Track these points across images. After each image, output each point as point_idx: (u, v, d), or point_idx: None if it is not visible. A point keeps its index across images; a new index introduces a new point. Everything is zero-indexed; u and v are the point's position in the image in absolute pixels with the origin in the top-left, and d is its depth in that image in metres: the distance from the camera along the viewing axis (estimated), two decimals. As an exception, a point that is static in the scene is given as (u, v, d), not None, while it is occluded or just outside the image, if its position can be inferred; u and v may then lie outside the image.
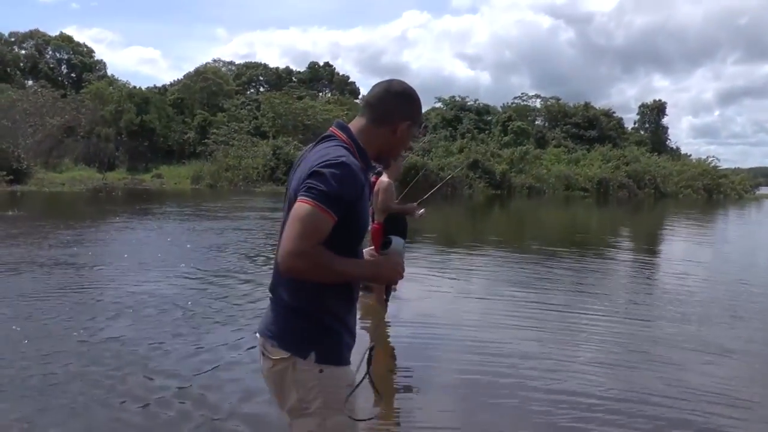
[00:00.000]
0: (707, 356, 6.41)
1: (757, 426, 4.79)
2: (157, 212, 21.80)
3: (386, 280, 2.41)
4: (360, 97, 74.01)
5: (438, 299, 8.77)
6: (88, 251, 11.96)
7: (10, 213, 18.84)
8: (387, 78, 2.45)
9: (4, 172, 31.41)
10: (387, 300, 2.11)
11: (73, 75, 65.61)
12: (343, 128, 2.31)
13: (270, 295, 2.33)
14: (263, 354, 2.25)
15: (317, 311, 2.19)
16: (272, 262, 2.45)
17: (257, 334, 2.33)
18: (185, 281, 9.38)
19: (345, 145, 2.22)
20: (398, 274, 2.30)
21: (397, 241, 2.36)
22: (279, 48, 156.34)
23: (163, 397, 4.81)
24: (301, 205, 2.02)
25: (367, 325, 6.83)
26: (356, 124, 2.35)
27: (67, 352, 5.77)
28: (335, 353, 2.21)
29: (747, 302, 9.32)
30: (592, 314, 8.07)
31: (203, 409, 4.61)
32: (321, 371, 2.16)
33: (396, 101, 2.33)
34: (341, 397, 2.19)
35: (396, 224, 6.78)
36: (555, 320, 7.71)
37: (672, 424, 4.61)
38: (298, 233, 2.00)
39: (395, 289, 7.84)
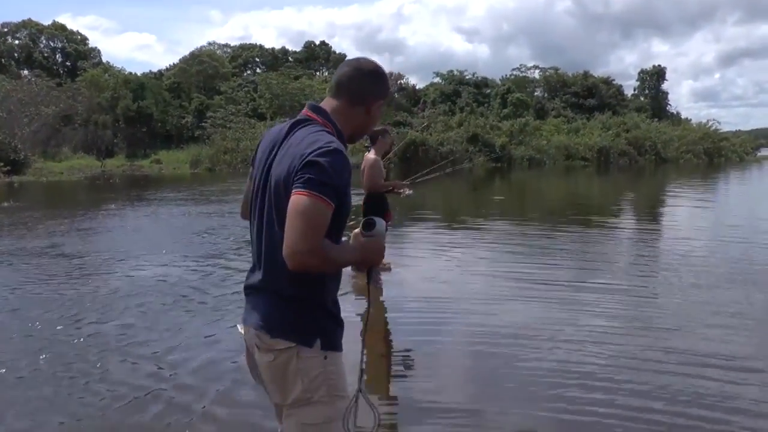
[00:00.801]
0: (709, 322, 6.38)
1: (757, 389, 4.72)
2: (153, 198, 21.70)
3: (370, 263, 2.40)
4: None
5: (439, 277, 8.60)
6: (80, 240, 11.95)
7: (5, 204, 18.72)
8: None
9: (2, 163, 31.34)
10: (369, 284, 2.22)
11: (68, 63, 65.35)
12: (319, 111, 2.30)
13: (253, 288, 2.31)
14: (258, 347, 2.24)
15: (320, 299, 2.23)
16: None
17: (242, 328, 2.34)
18: (176, 269, 9.26)
19: (327, 129, 2.22)
20: (381, 257, 2.36)
21: (380, 222, 2.36)
22: (274, 29, 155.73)
23: (148, 392, 4.74)
24: (303, 198, 2.01)
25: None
26: (329, 104, 2.33)
27: (51, 346, 5.73)
28: (336, 339, 2.26)
29: (748, 267, 9.23)
30: (595, 285, 7.97)
31: (188, 400, 4.58)
32: (326, 358, 2.20)
33: (368, 80, 2.34)
34: (343, 383, 2.25)
35: (379, 204, 6.72)
36: (558, 292, 7.61)
37: (677, 391, 4.60)
38: (306, 230, 2.00)
39: (387, 270, 7.81)
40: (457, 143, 49.28)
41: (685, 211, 18.23)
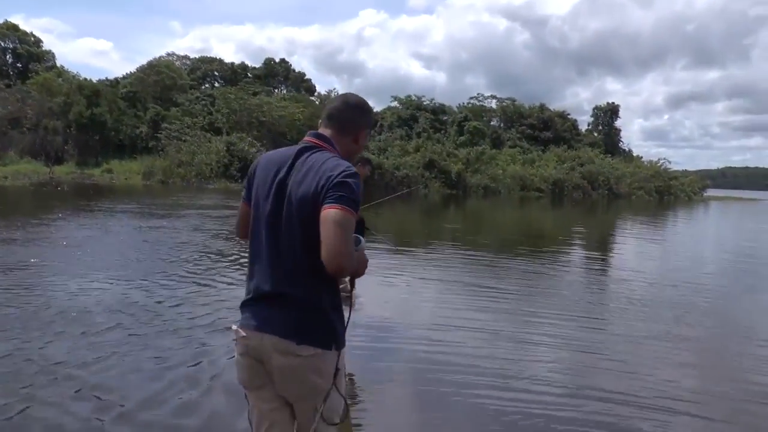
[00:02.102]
0: (656, 352, 6.71)
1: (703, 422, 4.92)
2: (100, 209, 20.78)
3: (360, 274, 2.59)
4: (316, 94, 73.47)
5: (390, 302, 8.52)
6: (13, 251, 11.19)
7: None
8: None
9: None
10: (352, 291, 2.46)
11: (18, 65, 63.48)
12: (324, 138, 2.60)
13: (267, 296, 2.49)
14: (279, 352, 2.43)
15: (333, 305, 2.51)
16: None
17: (246, 332, 2.51)
18: (119, 287, 8.66)
19: (336, 155, 2.54)
20: (366, 268, 2.60)
21: (362, 239, 2.62)
22: (234, 43, 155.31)
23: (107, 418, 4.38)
24: (338, 212, 2.29)
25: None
26: (326, 134, 2.63)
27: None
28: (343, 338, 2.55)
29: (693, 301, 9.81)
30: (543, 315, 8.17)
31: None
32: (338, 355, 2.51)
33: (355, 113, 2.69)
34: (343, 370, 2.59)
35: (360, 224, 6.51)
36: (508, 321, 7.78)
37: (621, 421, 4.79)
38: (344, 238, 2.29)
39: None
40: (413, 168, 49.42)
41: (635, 248, 18.71)
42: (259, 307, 2.51)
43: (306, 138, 2.63)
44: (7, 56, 64.61)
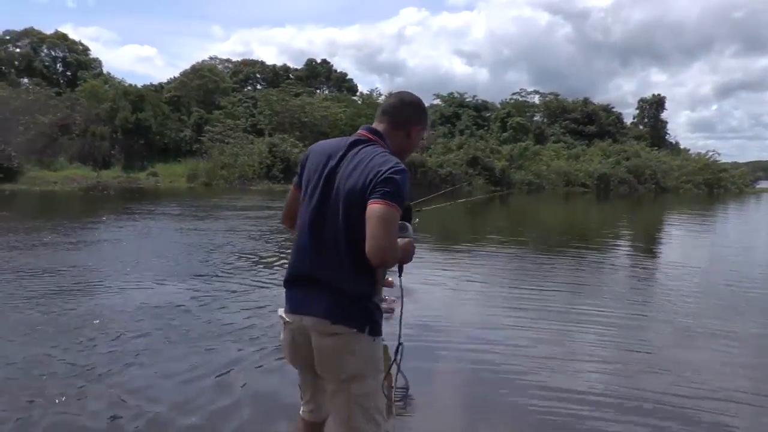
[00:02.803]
0: (705, 350, 6.51)
1: (754, 419, 4.77)
2: (143, 212, 21.05)
3: (406, 261, 2.74)
4: (358, 94, 73.42)
5: (435, 298, 8.41)
6: (58, 255, 11.32)
7: None
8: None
9: (-5, 171, 30.92)
10: (401, 277, 2.60)
11: (68, 73, 64.81)
12: (376, 133, 2.75)
13: (309, 280, 2.66)
14: (318, 332, 2.61)
15: (372, 294, 2.66)
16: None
17: (289, 315, 2.73)
18: (155, 290, 8.68)
19: (387, 150, 2.66)
20: (413, 255, 2.75)
21: (410, 226, 2.81)
22: (275, 46, 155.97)
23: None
24: (383, 208, 2.43)
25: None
26: (379, 129, 2.77)
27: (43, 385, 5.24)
28: (380, 326, 2.70)
29: (744, 296, 9.51)
30: (590, 313, 7.98)
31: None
32: (374, 341, 2.66)
33: (409, 109, 2.82)
34: (382, 361, 2.73)
35: (407, 212, 6.43)
36: (554, 318, 7.62)
37: (670, 420, 4.61)
38: (388, 232, 2.43)
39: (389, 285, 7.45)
40: (456, 165, 49.07)
41: (684, 242, 18.36)
42: (300, 291, 2.71)
43: (359, 131, 2.76)
44: (58, 65, 66.18)
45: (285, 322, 2.77)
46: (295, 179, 2.87)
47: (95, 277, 9.45)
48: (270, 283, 9.19)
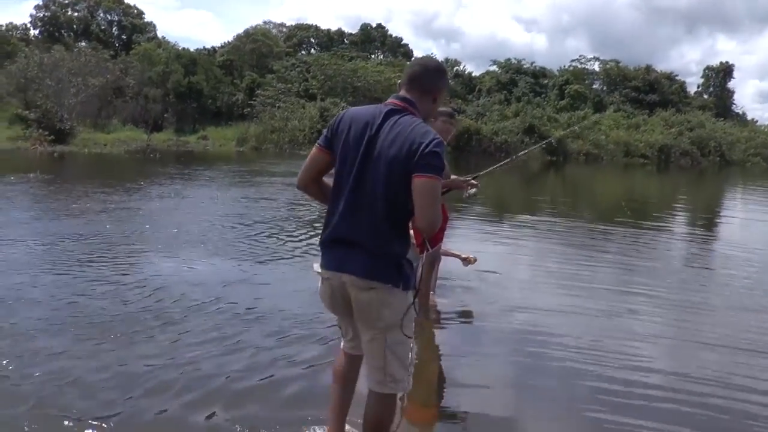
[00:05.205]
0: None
1: None
2: (185, 176, 20.42)
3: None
4: (413, 59, 72.06)
5: (483, 276, 7.61)
6: (85, 223, 10.50)
7: (31, 175, 17.50)
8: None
9: (47, 132, 30.97)
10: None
11: (123, 37, 65.45)
12: (410, 103, 2.84)
13: (345, 241, 2.81)
14: (358, 287, 2.79)
15: (403, 253, 2.85)
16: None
17: (326, 272, 2.89)
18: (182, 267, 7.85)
19: (420, 120, 2.81)
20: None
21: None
22: (331, 10, 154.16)
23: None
24: (432, 182, 2.65)
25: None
26: (408, 96, 2.87)
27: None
28: (412, 281, 2.89)
29: None
30: (642, 291, 7.47)
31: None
32: (407, 294, 2.86)
33: (435, 75, 2.95)
34: (413, 314, 2.91)
35: None
36: (604, 299, 7.05)
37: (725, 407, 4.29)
38: (436, 205, 2.69)
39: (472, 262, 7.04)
40: (512, 133, 47.76)
41: (748, 220, 17.21)
42: (338, 250, 2.84)
43: (391, 100, 2.86)
44: (113, 29, 66.79)
45: (323, 278, 2.94)
46: (322, 141, 2.95)
47: (122, 248, 8.88)
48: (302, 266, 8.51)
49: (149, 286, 6.41)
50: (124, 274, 6.92)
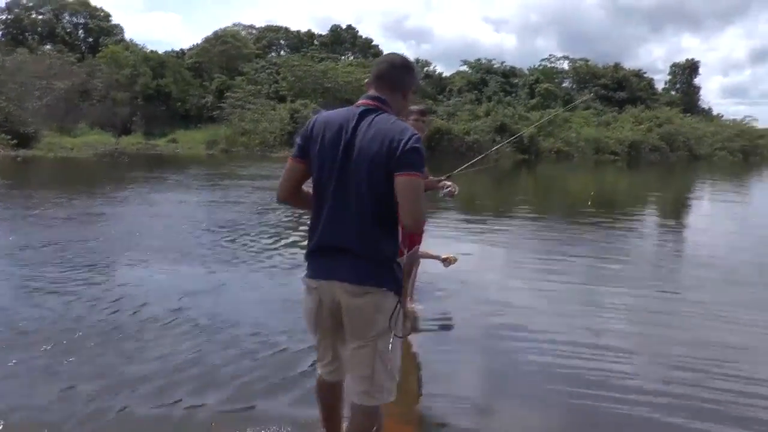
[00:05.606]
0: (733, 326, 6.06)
1: None
2: (152, 179, 20.16)
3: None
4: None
5: (456, 273, 7.44)
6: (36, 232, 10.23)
7: None
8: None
9: (9, 137, 30.29)
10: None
11: (89, 39, 64.42)
12: (383, 101, 2.81)
13: (334, 249, 2.74)
14: (350, 294, 2.73)
15: (394, 255, 2.81)
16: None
17: (315, 282, 2.82)
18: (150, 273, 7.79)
19: (395, 116, 2.80)
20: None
21: None
22: (301, 12, 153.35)
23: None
24: (415, 180, 2.62)
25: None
26: (379, 95, 2.83)
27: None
28: (402, 286, 2.86)
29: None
30: (615, 284, 7.72)
31: None
32: (398, 300, 2.82)
33: (402, 72, 2.91)
34: (401, 314, 2.86)
35: None
36: (579, 293, 7.31)
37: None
38: (421, 201, 2.66)
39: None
40: (483, 133, 47.78)
41: (717, 212, 17.85)
42: (327, 258, 2.77)
43: (363, 101, 2.81)
44: (79, 31, 65.71)
45: (310, 288, 2.87)
46: (296, 151, 2.86)
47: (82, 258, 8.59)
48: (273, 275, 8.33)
49: (107, 297, 6.21)
50: (82, 284, 6.70)
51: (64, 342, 4.91)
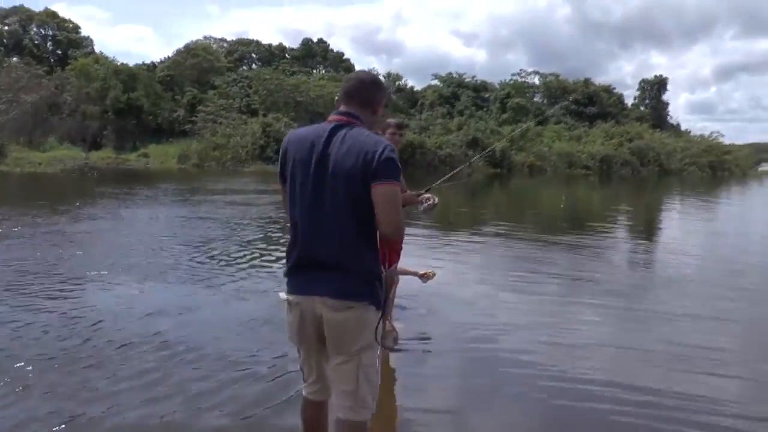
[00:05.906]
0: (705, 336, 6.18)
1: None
2: (122, 195, 19.67)
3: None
4: (355, 74, 71.91)
5: (436, 294, 7.38)
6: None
7: None
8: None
9: (-28, 153, 29.66)
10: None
11: (58, 52, 63.54)
12: (353, 115, 2.81)
13: (315, 263, 2.74)
14: (333, 309, 2.70)
15: (374, 267, 2.78)
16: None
17: (295, 298, 2.81)
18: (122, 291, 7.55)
19: (368, 131, 2.79)
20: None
21: None
22: (273, 25, 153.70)
23: None
24: (392, 188, 2.64)
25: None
26: (349, 110, 2.83)
27: None
28: (382, 300, 2.82)
29: (744, 281, 9.22)
30: (587, 298, 7.71)
31: None
32: (379, 314, 2.80)
33: (371, 88, 2.90)
34: (381, 327, 2.82)
35: None
36: (552, 306, 7.33)
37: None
38: (398, 210, 2.67)
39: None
40: (456, 147, 47.96)
41: (689, 226, 17.87)
42: (308, 274, 2.75)
43: (335, 117, 2.81)
44: (48, 44, 64.77)
45: (292, 304, 2.84)
46: (280, 178, 2.88)
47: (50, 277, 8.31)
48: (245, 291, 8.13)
49: (72, 323, 5.85)
50: (46, 309, 6.37)
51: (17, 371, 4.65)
